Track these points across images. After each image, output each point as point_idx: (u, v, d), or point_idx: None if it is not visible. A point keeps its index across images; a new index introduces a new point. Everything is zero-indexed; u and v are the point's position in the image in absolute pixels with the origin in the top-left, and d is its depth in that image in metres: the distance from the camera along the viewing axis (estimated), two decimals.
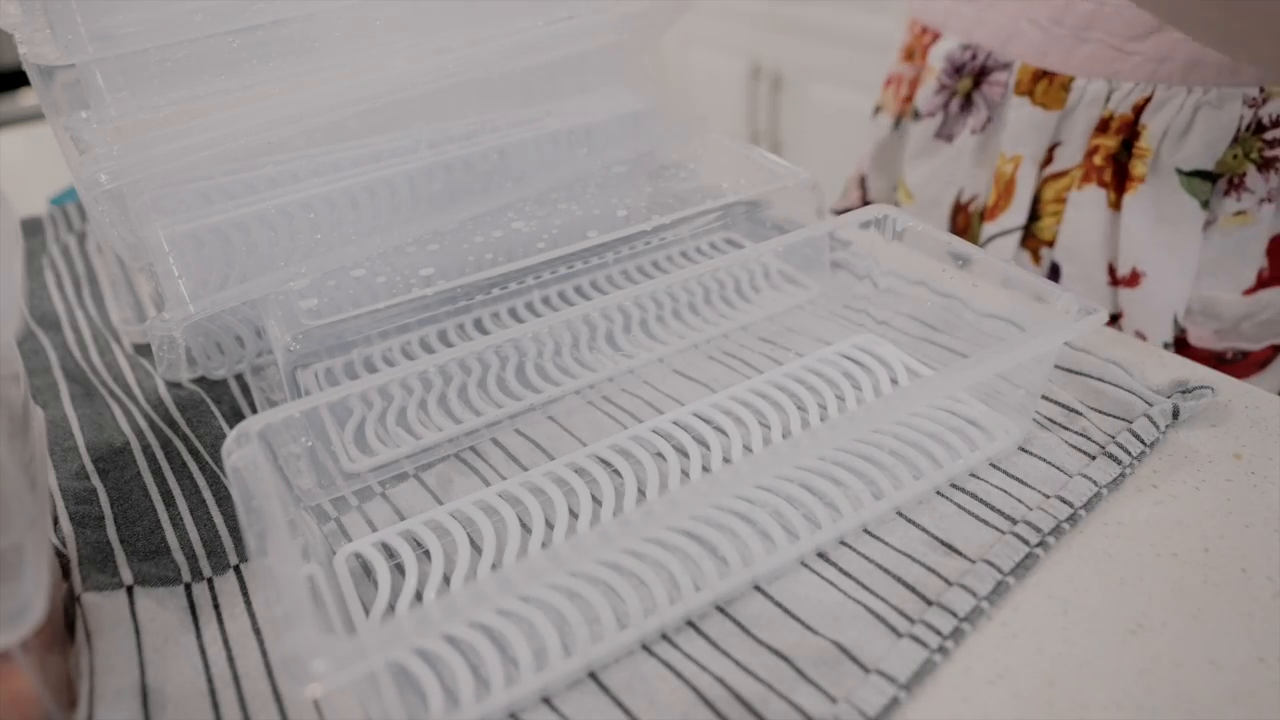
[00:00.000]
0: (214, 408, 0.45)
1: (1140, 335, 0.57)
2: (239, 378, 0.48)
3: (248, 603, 0.35)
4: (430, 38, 0.47)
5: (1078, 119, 0.57)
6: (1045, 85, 0.57)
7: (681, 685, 0.31)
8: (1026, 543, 0.35)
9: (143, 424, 0.44)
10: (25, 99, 1.44)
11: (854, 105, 1.65)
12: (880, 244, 0.48)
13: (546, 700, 0.31)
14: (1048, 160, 0.59)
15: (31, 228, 0.64)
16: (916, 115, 0.67)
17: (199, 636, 0.34)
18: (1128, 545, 0.36)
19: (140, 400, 0.46)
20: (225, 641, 0.33)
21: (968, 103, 0.63)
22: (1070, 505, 0.36)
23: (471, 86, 0.50)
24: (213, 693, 0.32)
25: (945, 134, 0.65)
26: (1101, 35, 0.54)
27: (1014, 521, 0.36)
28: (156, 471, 0.41)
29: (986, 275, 0.42)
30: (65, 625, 0.34)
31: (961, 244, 0.43)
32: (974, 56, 0.62)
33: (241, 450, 0.32)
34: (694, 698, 0.30)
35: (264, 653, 0.33)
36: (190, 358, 0.46)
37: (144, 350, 0.51)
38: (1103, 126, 0.56)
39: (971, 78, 0.62)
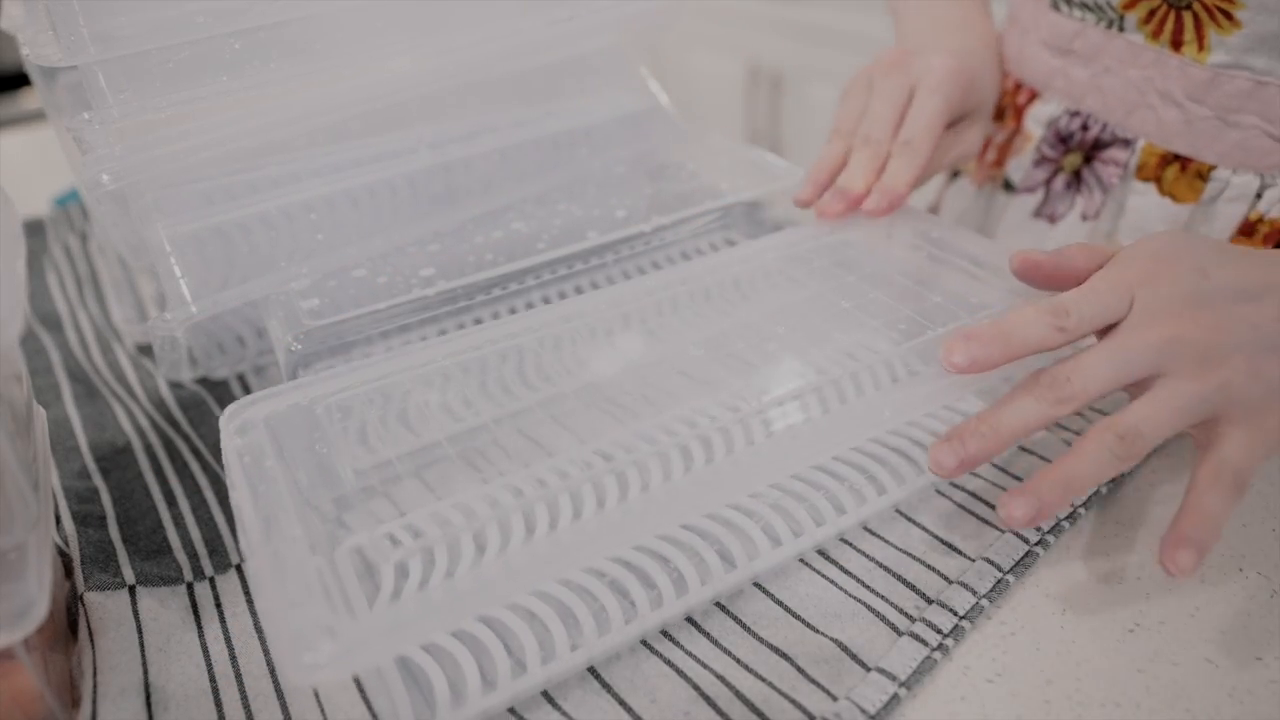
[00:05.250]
0: (215, 407, 0.46)
1: None
2: (241, 377, 0.48)
3: (249, 601, 0.35)
4: (431, 39, 0.47)
5: (1217, 217, 0.48)
6: (1176, 171, 0.48)
7: (683, 683, 0.31)
8: (1026, 541, 0.35)
9: (145, 424, 0.45)
10: (28, 100, 1.44)
11: None
12: (881, 242, 0.48)
13: (549, 697, 0.31)
14: None
15: (34, 228, 0.64)
16: (1009, 186, 0.58)
17: (201, 635, 0.34)
18: (1126, 544, 0.36)
19: (142, 400, 0.47)
20: (227, 640, 0.34)
21: (1076, 180, 0.53)
22: (1070, 504, 0.36)
23: (472, 87, 0.50)
24: (215, 691, 0.32)
25: (1047, 214, 0.55)
26: (1256, 120, 0.44)
27: None
28: (158, 471, 0.42)
29: (990, 273, 0.42)
30: (68, 624, 0.34)
31: (967, 242, 0.43)
32: (1085, 127, 0.52)
33: (247, 437, 0.33)
34: (695, 695, 0.30)
35: (266, 651, 0.33)
36: (192, 357, 0.47)
37: (146, 350, 0.51)
38: (1247, 230, 0.47)
39: (1081, 152, 0.53)
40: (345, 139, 0.48)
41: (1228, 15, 0.43)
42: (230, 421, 0.33)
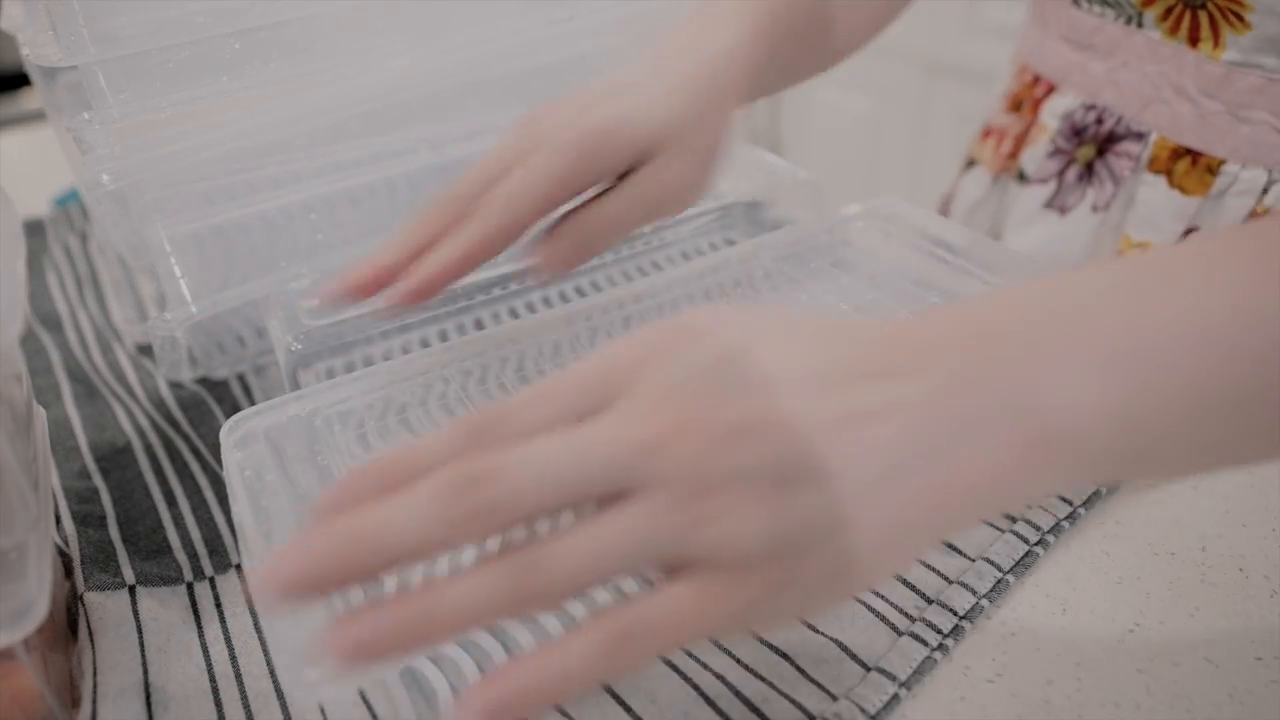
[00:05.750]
0: (216, 407, 0.46)
1: None
2: (240, 377, 0.48)
3: (249, 601, 0.35)
4: (431, 39, 0.47)
5: (1224, 210, 0.48)
6: (1187, 165, 0.49)
7: (683, 683, 0.31)
8: (1026, 541, 0.35)
9: (145, 423, 0.45)
10: (28, 100, 1.44)
11: (854, 106, 1.65)
12: (880, 242, 0.48)
13: None
14: None
15: (34, 228, 0.64)
16: (1023, 177, 0.58)
17: (201, 635, 0.34)
18: (1126, 544, 0.36)
19: (142, 400, 0.47)
20: (228, 640, 0.34)
21: (1088, 172, 0.54)
22: (1069, 503, 0.36)
23: (472, 87, 0.50)
24: (215, 691, 0.32)
25: (1058, 205, 0.56)
26: (1267, 116, 0.45)
27: (1013, 520, 0.36)
28: (158, 471, 0.42)
29: (990, 272, 0.42)
30: (68, 624, 0.34)
31: (968, 241, 0.43)
32: (1099, 120, 0.53)
33: (247, 450, 0.33)
34: (695, 696, 0.30)
35: (266, 651, 0.33)
36: (192, 357, 0.47)
37: (146, 350, 0.51)
38: None
39: (1095, 145, 0.53)
40: (345, 139, 0.48)
41: (1239, 17, 0.44)
42: (231, 434, 0.33)
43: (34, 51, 0.40)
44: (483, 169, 0.35)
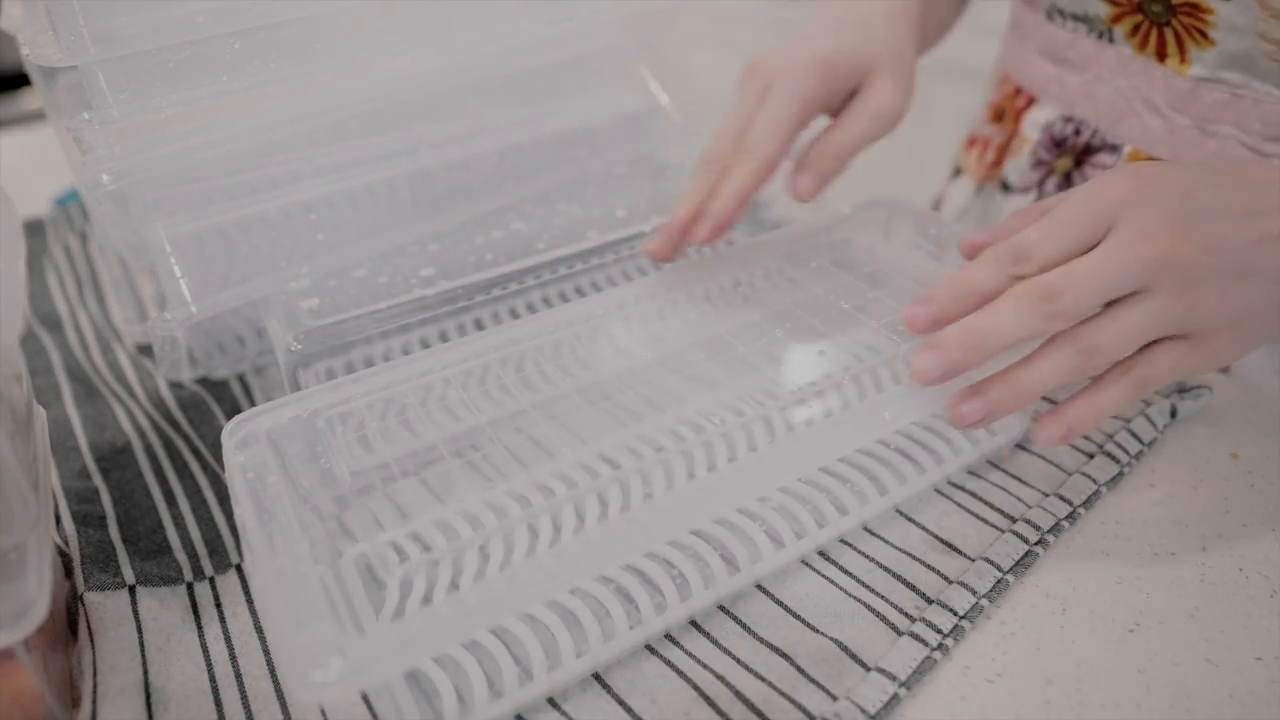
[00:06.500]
0: (215, 407, 0.46)
1: None
2: (240, 377, 0.48)
3: (249, 601, 0.35)
4: (431, 39, 0.47)
5: None
6: None
7: (683, 683, 0.31)
8: (1026, 541, 0.35)
9: (145, 424, 0.45)
10: (28, 100, 1.44)
11: None
12: (880, 241, 0.48)
13: (551, 700, 0.31)
14: None
15: (34, 228, 0.64)
16: (1006, 187, 0.59)
17: (201, 635, 0.34)
18: (1126, 544, 0.36)
19: (142, 400, 0.47)
20: (228, 640, 0.34)
21: (1066, 183, 0.55)
22: (1069, 503, 0.36)
23: (472, 87, 0.50)
24: (215, 691, 0.32)
25: None
26: (1233, 130, 0.46)
27: (1013, 520, 0.36)
28: (158, 471, 0.42)
29: None
30: (68, 624, 0.34)
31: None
32: (1077, 132, 0.54)
33: (249, 451, 0.33)
34: (695, 696, 0.30)
35: (266, 651, 0.33)
36: (192, 357, 0.47)
37: (146, 350, 0.51)
38: None
39: (1072, 156, 0.54)
40: (345, 139, 0.48)
41: (1202, 34, 0.45)
42: (232, 435, 0.33)
43: (34, 51, 0.40)
44: (737, 115, 0.43)
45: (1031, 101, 0.57)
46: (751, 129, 0.42)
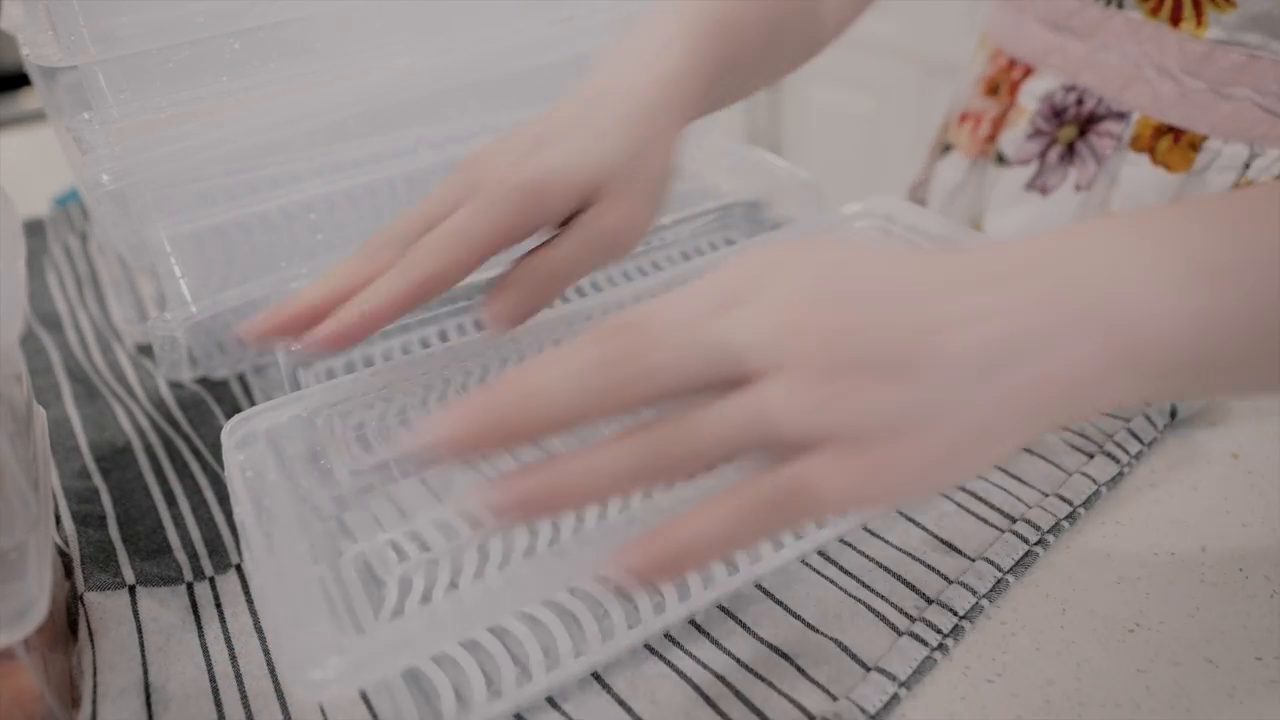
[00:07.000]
0: (215, 407, 0.46)
1: None
2: (240, 377, 0.48)
3: (249, 601, 0.35)
4: (431, 39, 0.47)
5: (1207, 185, 0.48)
6: (1169, 143, 0.49)
7: (683, 683, 0.31)
8: (1026, 541, 0.35)
9: (145, 424, 0.45)
10: (28, 100, 1.44)
11: (854, 106, 1.65)
12: (880, 242, 0.48)
13: (550, 700, 0.31)
14: None
15: (34, 228, 0.64)
16: (1001, 159, 0.58)
17: (201, 635, 0.34)
18: (1126, 544, 0.36)
19: (142, 400, 0.47)
20: (228, 640, 0.34)
21: (1070, 153, 0.54)
22: (1069, 503, 0.36)
23: (472, 87, 0.50)
24: (215, 691, 0.32)
25: (1040, 185, 0.56)
26: (1249, 92, 0.45)
27: (1013, 520, 0.36)
28: (158, 471, 0.42)
29: None
30: (68, 624, 0.34)
31: (968, 240, 0.43)
32: (1080, 101, 0.53)
33: (249, 451, 0.32)
34: (695, 696, 0.30)
35: (266, 651, 0.33)
36: (192, 357, 0.47)
37: (146, 350, 0.51)
38: None
39: (1076, 125, 0.53)
40: (345, 139, 0.48)
41: None
42: (232, 435, 0.33)
43: (34, 51, 0.40)
44: (422, 212, 0.34)
45: (1028, 72, 0.56)
46: (434, 235, 0.33)
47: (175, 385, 0.48)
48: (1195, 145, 0.48)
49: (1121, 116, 0.51)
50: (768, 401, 0.24)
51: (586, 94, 0.37)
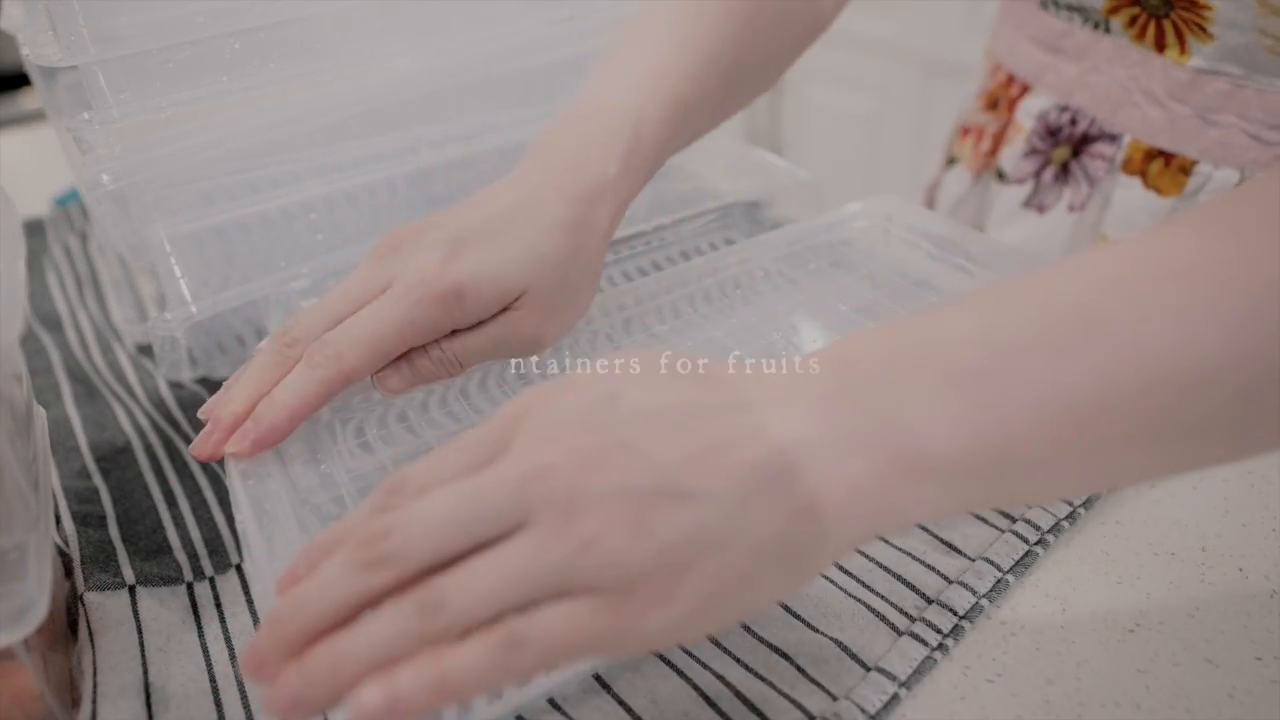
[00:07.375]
0: None
1: None
2: None
3: (249, 601, 0.35)
4: (430, 39, 0.47)
5: None
6: (1160, 166, 0.49)
7: (683, 683, 0.31)
8: (1026, 541, 0.35)
9: (145, 423, 0.45)
10: (28, 100, 1.44)
11: (854, 106, 1.65)
12: (879, 242, 0.48)
13: (552, 701, 0.31)
14: None
15: (34, 228, 0.64)
16: (1001, 176, 0.59)
17: (201, 635, 0.34)
18: (1126, 544, 0.36)
19: (142, 400, 0.47)
20: (227, 640, 0.34)
21: (1064, 173, 0.54)
22: (1069, 503, 0.36)
23: (472, 87, 0.50)
24: (215, 691, 0.32)
25: (1036, 204, 0.56)
26: (1235, 119, 0.45)
27: (1013, 520, 0.36)
28: (158, 471, 0.42)
29: (987, 270, 0.42)
30: (68, 624, 0.34)
31: (967, 240, 0.43)
32: (1074, 121, 0.53)
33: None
34: (695, 695, 0.30)
35: None
36: (192, 357, 0.47)
37: (146, 350, 0.51)
38: None
39: (1069, 146, 0.53)
40: (345, 139, 0.48)
41: (1201, 28, 0.45)
42: None
43: (34, 51, 0.40)
44: (343, 296, 0.34)
45: (1025, 89, 0.57)
46: (351, 326, 0.33)
47: (175, 385, 0.48)
48: (1186, 169, 0.48)
49: (1113, 139, 0.51)
50: (524, 553, 0.23)
51: (519, 190, 0.36)
